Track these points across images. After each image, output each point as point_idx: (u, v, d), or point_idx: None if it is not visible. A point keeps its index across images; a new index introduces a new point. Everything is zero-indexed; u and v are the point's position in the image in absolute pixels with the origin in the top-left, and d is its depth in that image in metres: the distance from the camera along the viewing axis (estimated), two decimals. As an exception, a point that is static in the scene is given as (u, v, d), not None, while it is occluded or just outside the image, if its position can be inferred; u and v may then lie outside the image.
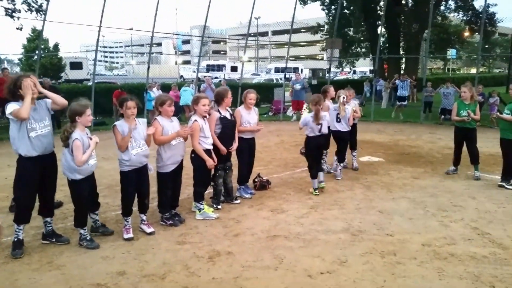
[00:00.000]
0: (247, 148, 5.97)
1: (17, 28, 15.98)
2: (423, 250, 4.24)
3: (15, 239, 4.18)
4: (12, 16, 15.65)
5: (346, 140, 7.22)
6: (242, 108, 5.95)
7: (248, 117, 5.89)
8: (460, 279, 3.65)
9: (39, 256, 4.13)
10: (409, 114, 15.64)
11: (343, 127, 7.00)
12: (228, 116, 5.55)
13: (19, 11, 15.73)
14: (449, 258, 4.04)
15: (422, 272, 3.78)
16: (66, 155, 4.13)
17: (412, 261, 3.99)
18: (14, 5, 15.67)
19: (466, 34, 29.50)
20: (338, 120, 6.96)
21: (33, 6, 15.89)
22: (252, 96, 5.88)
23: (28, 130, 4.04)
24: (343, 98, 6.86)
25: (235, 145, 5.65)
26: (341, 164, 7.14)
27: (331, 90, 7.40)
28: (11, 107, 3.93)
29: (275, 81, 28.59)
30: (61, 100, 4.31)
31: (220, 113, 5.46)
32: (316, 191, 6.13)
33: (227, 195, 5.76)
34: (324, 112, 6.22)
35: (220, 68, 46.01)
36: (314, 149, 6.23)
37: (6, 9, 15.12)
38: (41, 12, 15.60)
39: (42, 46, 28.04)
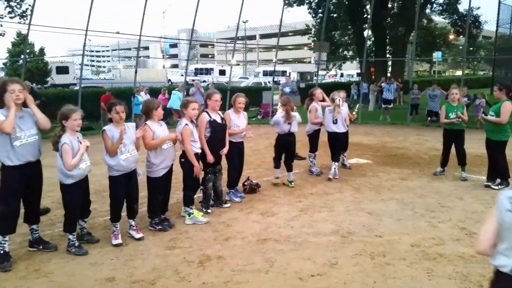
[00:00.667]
0: (237, 152, 5.96)
1: (0, 34, 15.82)
2: (412, 251, 4.27)
3: (1, 252, 3.97)
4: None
5: (342, 142, 7.33)
6: (231, 111, 5.94)
7: (237, 120, 5.88)
8: (449, 279, 3.69)
9: (26, 263, 4.06)
10: (396, 116, 15.80)
11: (339, 128, 7.08)
12: (219, 120, 5.52)
13: (2, 17, 15.54)
14: (438, 259, 4.09)
15: (411, 273, 3.81)
16: (58, 159, 4.08)
17: (402, 262, 4.03)
18: (-3, 9, 15.49)
19: (451, 37, 29.99)
20: (335, 122, 7.04)
21: (16, 11, 15.71)
22: (241, 100, 5.88)
23: (12, 139, 3.89)
24: (339, 100, 6.95)
25: (225, 148, 5.64)
26: (336, 164, 7.18)
27: (317, 92, 7.64)
28: None
29: (263, 84, 28.65)
30: (44, 122, 4.12)
31: (210, 116, 5.44)
32: (277, 180, 6.71)
33: (216, 199, 5.74)
34: (295, 112, 6.54)
35: (208, 71, 46.00)
36: (282, 146, 6.65)
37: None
38: (25, 17, 15.43)
39: (28, 51, 27.70)
